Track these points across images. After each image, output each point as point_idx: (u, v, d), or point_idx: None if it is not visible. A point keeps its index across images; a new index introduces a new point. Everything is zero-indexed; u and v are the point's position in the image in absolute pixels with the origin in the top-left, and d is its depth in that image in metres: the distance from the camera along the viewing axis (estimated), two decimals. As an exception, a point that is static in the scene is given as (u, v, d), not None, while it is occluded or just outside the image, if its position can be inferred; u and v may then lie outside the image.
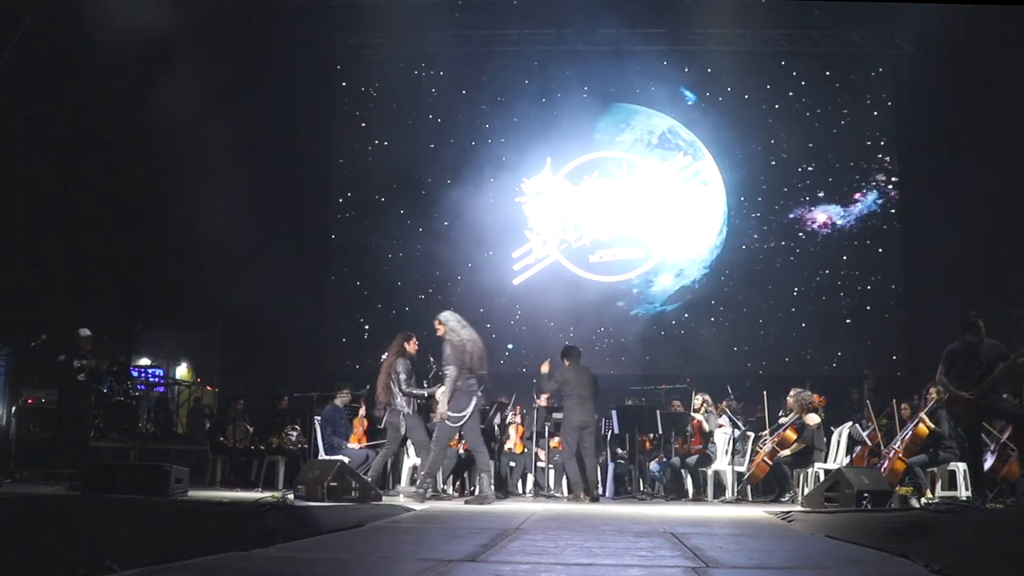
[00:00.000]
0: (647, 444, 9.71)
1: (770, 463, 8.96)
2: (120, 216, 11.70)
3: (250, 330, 12.69)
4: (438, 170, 13.93)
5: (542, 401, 9.58)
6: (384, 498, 7.60)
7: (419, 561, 3.79)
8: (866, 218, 13.54)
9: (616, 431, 9.56)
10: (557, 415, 9.77)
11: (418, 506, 7.03)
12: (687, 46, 13.69)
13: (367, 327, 13.74)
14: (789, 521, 6.10)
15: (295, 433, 9.81)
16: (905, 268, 13.35)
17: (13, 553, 3.54)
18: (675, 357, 13.10)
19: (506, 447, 9.83)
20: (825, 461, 8.89)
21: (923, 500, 7.75)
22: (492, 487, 8.06)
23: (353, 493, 6.93)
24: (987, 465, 8.27)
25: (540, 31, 13.69)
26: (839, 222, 13.49)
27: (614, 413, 9.40)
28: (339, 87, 14.42)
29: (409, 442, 8.93)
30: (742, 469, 9.33)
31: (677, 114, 13.77)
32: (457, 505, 7.70)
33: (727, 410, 9.68)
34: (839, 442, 9.09)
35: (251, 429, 10.31)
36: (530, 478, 10.00)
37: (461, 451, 9.55)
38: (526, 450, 9.81)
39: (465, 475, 9.68)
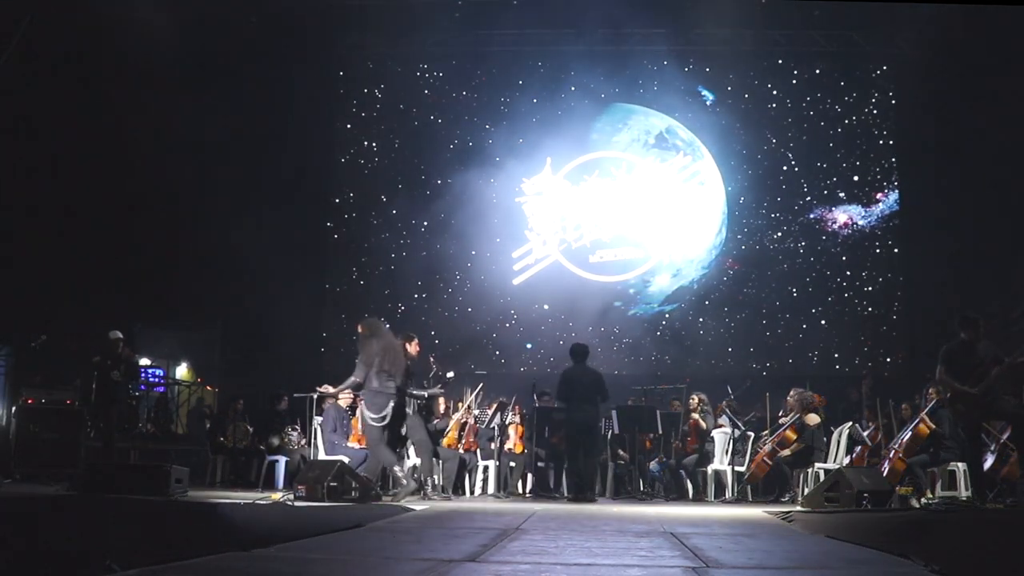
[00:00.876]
0: (647, 444, 9.71)
1: (770, 463, 8.96)
2: (120, 216, 11.70)
3: (250, 330, 12.69)
4: (438, 170, 13.94)
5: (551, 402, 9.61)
6: (384, 498, 7.61)
7: (419, 561, 3.79)
8: (866, 217, 13.53)
9: (616, 431, 9.56)
10: (558, 415, 9.78)
11: (418, 506, 7.02)
12: (687, 46, 13.69)
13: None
14: (789, 521, 6.10)
15: (295, 433, 9.81)
16: (905, 268, 13.34)
17: (13, 553, 3.54)
18: (675, 357, 13.11)
19: (506, 447, 9.83)
20: (825, 461, 8.89)
21: (923, 500, 7.76)
22: (404, 474, 7.94)
23: (353, 493, 6.94)
24: (987, 465, 8.28)
25: (540, 31, 13.68)
26: (838, 222, 13.48)
27: (614, 413, 9.40)
28: (339, 87, 14.41)
29: (409, 442, 8.92)
30: (742, 469, 9.33)
31: (676, 114, 13.77)
32: (457, 505, 7.70)
33: (727, 410, 9.68)
34: (839, 442, 9.09)
35: (251, 429, 10.31)
36: (530, 478, 10.00)
37: (461, 451, 9.56)
38: (526, 450, 9.80)
39: (466, 476, 9.68)
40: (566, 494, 9.29)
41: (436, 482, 8.99)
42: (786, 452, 8.93)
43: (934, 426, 8.16)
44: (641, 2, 13.18)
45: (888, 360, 13.13)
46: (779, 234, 13.45)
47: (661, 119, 13.78)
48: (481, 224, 13.53)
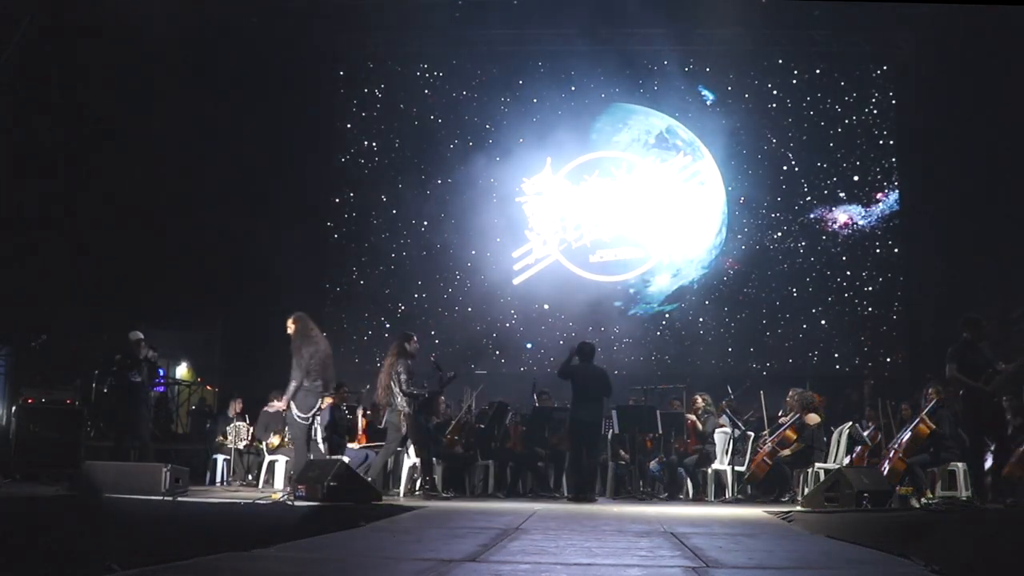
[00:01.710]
0: (647, 444, 9.70)
1: (770, 463, 8.95)
2: (120, 216, 11.70)
3: (250, 330, 12.69)
4: (438, 170, 13.95)
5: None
6: (384, 498, 7.60)
7: (419, 561, 3.79)
8: (867, 217, 13.53)
9: (616, 431, 9.56)
10: (558, 415, 9.77)
11: (418, 506, 7.02)
12: (687, 46, 13.69)
13: (367, 327, 13.74)
14: (789, 521, 6.09)
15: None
16: (905, 268, 13.35)
17: (13, 553, 3.54)
18: (675, 357, 13.11)
19: (506, 447, 9.82)
20: (825, 461, 8.88)
21: (923, 500, 7.75)
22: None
23: (353, 493, 6.93)
24: (987, 465, 8.29)
25: (540, 31, 13.69)
26: (838, 222, 13.48)
27: (614, 413, 9.38)
28: (339, 87, 14.41)
29: (409, 442, 8.92)
30: (742, 469, 9.33)
31: (676, 114, 13.77)
32: (457, 505, 7.69)
33: (727, 410, 9.67)
34: (839, 442, 9.09)
35: (251, 429, 10.31)
36: (530, 478, 9.99)
37: (459, 450, 9.55)
38: (526, 450, 9.80)
39: (465, 476, 9.67)
40: (566, 494, 9.29)
41: (436, 482, 8.99)
42: (786, 452, 8.92)
43: (934, 426, 8.15)
44: (641, 2, 13.19)
45: (888, 360, 13.13)
46: (779, 234, 13.45)
47: (661, 119, 13.79)
48: (481, 224, 13.54)
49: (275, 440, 9.71)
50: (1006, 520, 6.72)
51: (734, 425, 9.43)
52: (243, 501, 7.05)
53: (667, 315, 13.38)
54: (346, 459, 8.41)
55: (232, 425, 10.26)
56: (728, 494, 9.15)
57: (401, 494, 8.67)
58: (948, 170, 12.85)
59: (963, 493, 7.96)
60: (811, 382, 9.82)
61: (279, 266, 13.17)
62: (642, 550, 4.17)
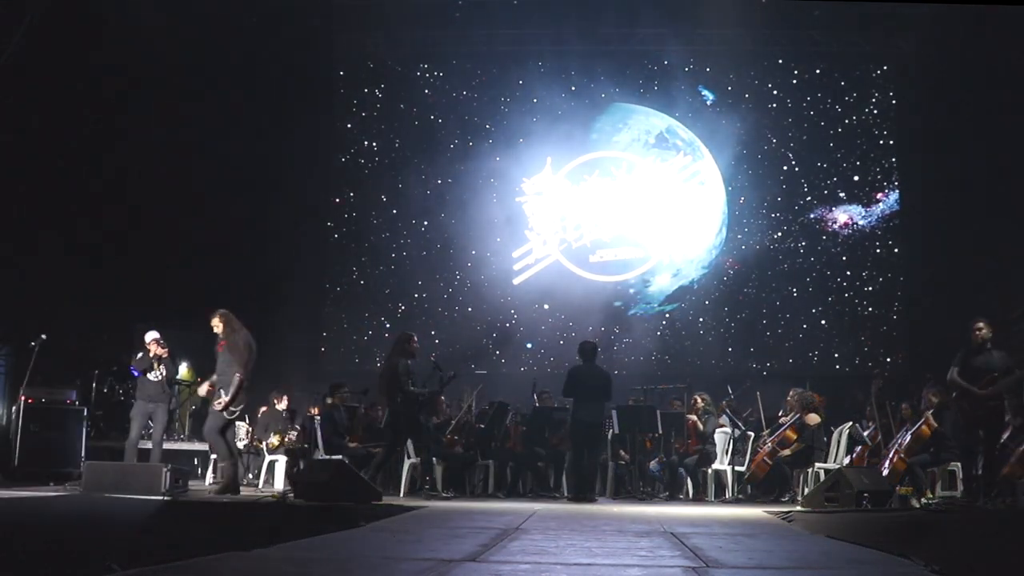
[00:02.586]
0: (647, 444, 9.70)
1: (770, 463, 8.95)
2: (121, 215, 11.70)
3: (250, 330, 12.66)
4: (438, 170, 13.94)
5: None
6: (384, 498, 7.60)
7: (419, 561, 3.79)
8: (867, 217, 13.53)
9: (616, 431, 9.56)
10: (558, 415, 9.78)
11: (418, 505, 7.02)
12: (687, 46, 13.68)
13: (367, 327, 13.74)
14: (789, 521, 6.10)
15: (295, 433, 9.81)
16: (906, 268, 13.34)
17: (14, 553, 3.54)
18: (675, 357, 13.10)
19: (506, 447, 9.82)
20: (825, 461, 8.88)
21: (923, 500, 7.75)
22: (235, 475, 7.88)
23: (353, 493, 6.93)
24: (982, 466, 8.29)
25: (540, 31, 13.69)
26: (838, 222, 13.48)
27: (614, 413, 9.39)
28: (339, 87, 14.41)
29: (408, 442, 8.93)
30: (742, 469, 9.33)
31: (676, 114, 13.76)
32: (457, 505, 7.70)
33: (727, 410, 9.67)
34: (839, 442, 9.09)
35: (250, 429, 10.31)
36: (530, 478, 10.00)
37: (459, 450, 9.55)
38: (526, 450, 9.80)
39: (465, 476, 9.67)
40: (566, 494, 9.29)
41: (436, 482, 9.00)
42: (786, 452, 8.92)
43: (936, 424, 8.16)
44: (641, 2, 13.19)
45: (888, 360, 13.13)
46: (779, 234, 13.44)
47: (661, 119, 13.78)
48: (481, 224, 13.54)
49: (275, 440, 9.71)
50: (1006, 520, 6.72)
51: (734, 425, 9.43)
52: (243, 501, 7.05)
53: (667, 315, 13.37)
54: (346, 459, 8.42)
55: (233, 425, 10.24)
56: (728, 494, 9.16)
57: (401, 494, 8.67)
58: (948, 170, 12.84)
59: (962, 493, 7.97)
60: (811, 382, 9.82)
61: (279, 266, 13.18)
62: (642, 550, 4.17)
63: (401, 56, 14.15)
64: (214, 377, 7.90)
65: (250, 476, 10.38)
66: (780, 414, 9.51)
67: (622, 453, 9.84)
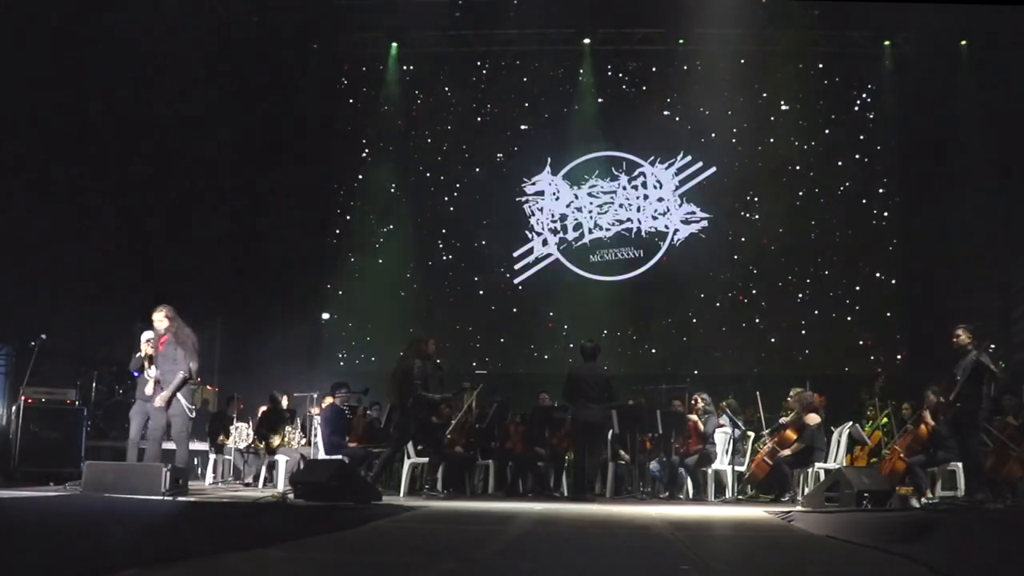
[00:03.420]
0: (647, 444, 9.70)
1: (770, 463, 8.95)
2: (120, 215, 11.69)
3: (250, 329, 12.69)
4: (438, 170, 13.94)
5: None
6: (384, 498, 7.60)
7: (419, 561, 3.79)
8: (867, 217, 13.52)
9: (616, 431, 9.56)
10: (558, 415, 9.78)
11: (418, 505, 7.02)
12: (687, 46, 13.68)
13: (367, 327, 13.73)
14: (789, 521, 6.10)
15: (295, 433, 9.81)
16: (906, 268, 13.32)
17: (14, 553, 3.54)
18: (675, 357, 13.09)
19: (506, 447, 9.82)
20: (825, 461, 8.89)
21: (923, 500, 7.75)
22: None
23: (353, 493, 6.93)
24: (987, 465, 8.29)
25: (540, 31, 13.69)
26: (840, 222, 13.46)
27: (614, 413, 9.39)
28: (339, 87, 14.40)
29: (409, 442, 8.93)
30: (742, 469, 9.33)
31: (677, 113, 13.76)
32: (457, 505, 7.70)
33: (727, 410, 9.67)
34: (839, 442, 9.09)
35: (251, 429, 10.31)
36: (530, 478, 10.00)
37: (459, 450, 9.55)
38: (526, 450, 9.80)
39: (465, 476, 9.68)
40: (566, 494, 9.29)
41: (436, 482, 9.00)
42: (786, 452, 8.92)
43: (934, 423, 8.16)
44: (641, 2, 13.19)
45: (888, 360, 13.11)
46: (779, 234, 13.42)
47: (662, 118, 13.76)
48: (481, 224, 13.54)
49: (275, 440, 9.71)
50: (1006, 520, 6.72)
51: (734, 425, 9.43)
52: (243, 501, 7.05)
53: (667, 314, 13.35)
54: (346, 459, 8.42)
55: (232, 425, 10.26)
56: (728, 494, 9.16)
57: (401, 494, 8.67)
58: (948, 170, 12.85)
59: (962, 493, 7.97)
60: (811, 382, 9.80)
61: (279, 266, 13.18)
62: (642, 550, 4.17)
63: (401, 56, 14.14)
64: (155, 372, 7.70)
65: (250, 478, 10.40)
66: (781, 415, 9.51)
67: (622, 453, 9.84)
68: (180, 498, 7.01)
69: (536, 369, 12.83)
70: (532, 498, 9.18)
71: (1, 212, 9.92)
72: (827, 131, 13.64)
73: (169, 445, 8.00)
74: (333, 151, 14.26)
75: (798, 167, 13.55)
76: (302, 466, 8.57)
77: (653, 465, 9.70)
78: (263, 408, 10.33)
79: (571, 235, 13.75)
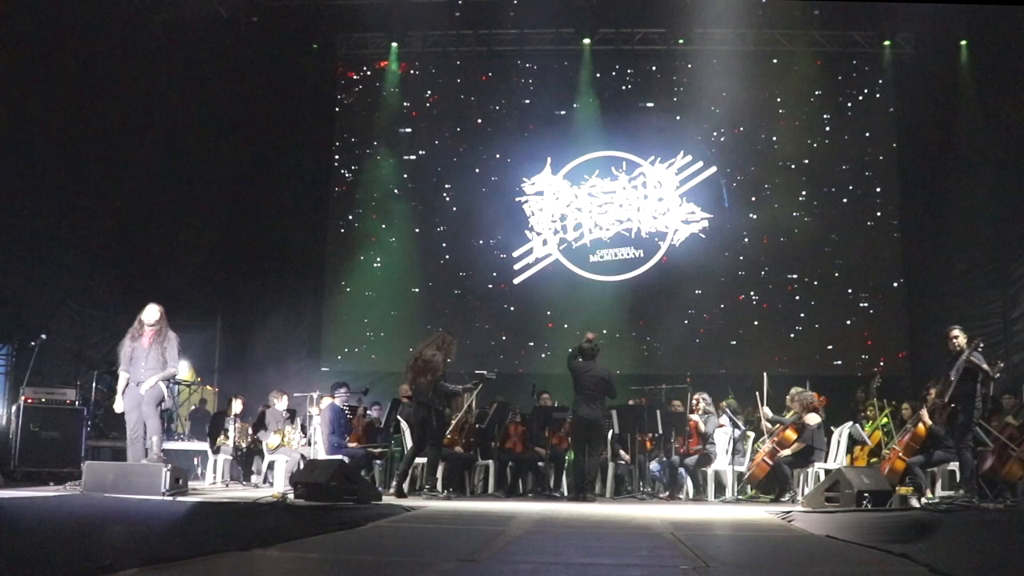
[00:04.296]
0: (647, 444, 9.70)
1: (770, 463, 8.95)
2: (121, 215, 11.70)
3: (250, 329, 12.70)
4: (438, 170, 13.95)
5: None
6: (384, 498, 7.60)
7: (419, 561, 3.79)
8: (867, 217, 13.52)
9: (616, 431, 9.56)
10: (558, 415, 9.77)
11: (418, 505, 7.02)
12: (687, 46, 13.69)
13: (367, 327, 13.73)
14: (789, 521, 6.10)
15: (295, 433, 9.81)
16: (906, 268, 13.33)
17: (14, 553, 3.53)
18: (675, 356, 13.08)
19: (506, 447, 9.82)
20: (825, 461, 8.88)
21: (923, 500, 7.75)
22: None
23: (353, 493, 6.93)
24: (987, 465, 8.30)
25: (540, 31, 13.69)
26: (840, 221, 13.46)
27: (614, 413, 9.39)
28: (339, 86, 14.40)
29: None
30: (742, 469, 9.33)
31: (677, 113, 13.76)
32: (457, 505, 7.70)
33: (727, 410, 9.67)
34: (839, 442, 9.09)
35: (251, 429, 10.31)
36: (530, 478, 10.00)
37: (459, 450, 9.54)
38: (526, 450, 9.80)
39: (465, 476, 9.67)
40: (566, 494, 9.29)
41: (437, 481, 8.99)
42: (786, 452, 8.92)
43: (931, 422, 8.16)
44: (641, 2, 13.20)
45: (888, 360, 13.11)
46: (780, 234, 13.43)
47: (662, 118, 13.77)
48: (481, 224, 13.54)
49: (275, 440, 9.71)
50: (1006, 520, 6.72)
51: (734, 425, 9.43)
52: (243, 501, 7.05)
53: (667, 314, 13.34)
54: (346, 459, 8.41)
55: (232, 425, 10.26)
56: (728, 494, 9.16)
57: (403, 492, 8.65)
58: (948, 170, 12.85)
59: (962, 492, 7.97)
60: (811, 382, 9.80)
61: (279, 266, 13.19)
62: (642, 550, 4.17)
63: (401, 56, 14.14)
64: (124, 372, 7.71)
65: (251, 478, 10.39)
66: (783, 415, 9.50)
67: (622, 453, 9.84)
68: (180, 498, 7.01)
69: (536, 369, 12.81)
70: (532, 498, 9.18)
71: (1, 212, 9.93)
72: (827, 131, 13.64)
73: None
74: (333, 151, 14.25)
75: (798, 167, 13.54)
76: (302, 466, 8.57)
77: (653, 465, 9.70)
78: (262, 408, 10.34)
79: (571, 235, 13.75)
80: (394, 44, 13.98)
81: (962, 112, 12.80)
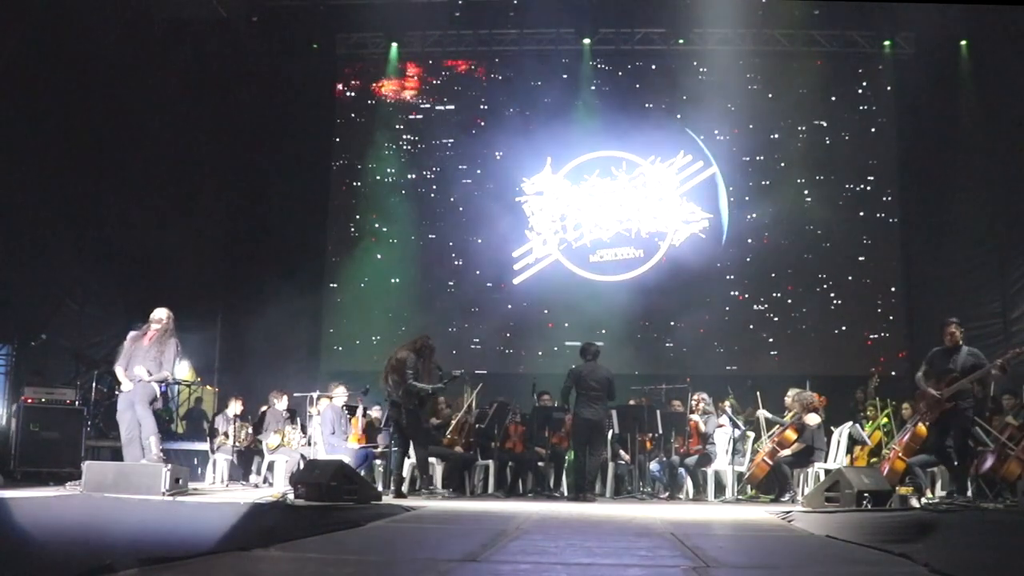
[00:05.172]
0: (647, 444, 9.70)
1: (770, 463, 8.95)
2: (121, 215, 11.71)
3: (250, 329, 12.69)
4: (438, 170, 13.94)
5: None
6: (384, 498, 7.60)
7: (419, 561, 3.79)
8: (867, 217, 13.51)
9: (616, 431, 9.56)
10: (557, 414, 9.77)
11: (418, 505, 7.02)
12: (687, 46, 13.69)
13: (367, 327, 13.72)
14: (789, 521, 6.10)
15: (295, 433, 9.81)
16: (906, 267, 13.33)
17: (14, 553, 3.54)
18: (675, 356, 13.09)
19: (506, 447, 9.82)
20: (825, 461, 8.88)
21: (923, 500, 7.75)
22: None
23: (353, 493, 6.93)
24: (987, 465, 8.30)
25: (540, 31, 13.69)
26: (840, 222, 13.46)
27: (614, 413, 9.39)
28: (338, 86, 14.40)
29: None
30: (742, 469, 9.33)
31: (677, 114, 13.76)
32: (457, 505, 7.70)
33: (727, 410, 9.67)
34: (839, 442, 9.09)
35: (251, 429, 10.31)
36: (530, 478, 9.99)
37: (459, 450, 9.55)
38: (526, 450, 9.80)
39: (465, 476, 9.67)
40: (566, 494, 9.29)
41: (433, 480, 9.00)
42: (786, 452, 8.92)
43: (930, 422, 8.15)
44: (641, 2, 13.20)
45: (888, 360, 13.11)
46: (780, 234, 13.42)
47: (661, 118, 13.76)
48: (481, 224, 13.54)
49: (275, 440, 9.71)
50: (1006, 520, 6.72)
51: (734, 425, 9.43)
52: (243, 501, 7.05)
53: (667, 314, 13.34)
54: (346, 459, 8.41)
55: (232, 425, 10.26)
56: (728, 494, 9.16)
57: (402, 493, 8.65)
58: (949, 169, 12.85)
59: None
60: (811, 382, 9.80)
61: (279, 266, 13.18)
62: (642, 550, 4.17)
63: (402, 56, 14.15)
64: (123, 369, 7.78)
65: (251, 478, 10.39)
66: (783, 415, 9.51)
67: (622, 453, 9.84)
68: (180, 498, 7.01)
69: (536, 369, 12.79)
70: (532, 498, 9.18)
71: (1, 213, 9.93)
72: (826, 131, 13.64)
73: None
74: (333, 151, 14.25)
75: (798, 167, 13.53)
76: (302, 466, 8.57)
77: (653, 465, 9.70)
78: (262, 408, 10.34)
79: (571, 235, 13.74)
80: (394, 44, 13.99)
81: (962, 112, 12.80)
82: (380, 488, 8.35)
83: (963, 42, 12.95)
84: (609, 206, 13.73)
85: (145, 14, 11.37)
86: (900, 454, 8.22)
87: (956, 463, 7.71)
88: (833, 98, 13.69)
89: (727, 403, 9.95)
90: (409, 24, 13.56)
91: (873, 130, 13.68)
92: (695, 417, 9.57)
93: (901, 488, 8.00)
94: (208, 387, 12.93)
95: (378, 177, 14.02)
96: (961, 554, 4.19)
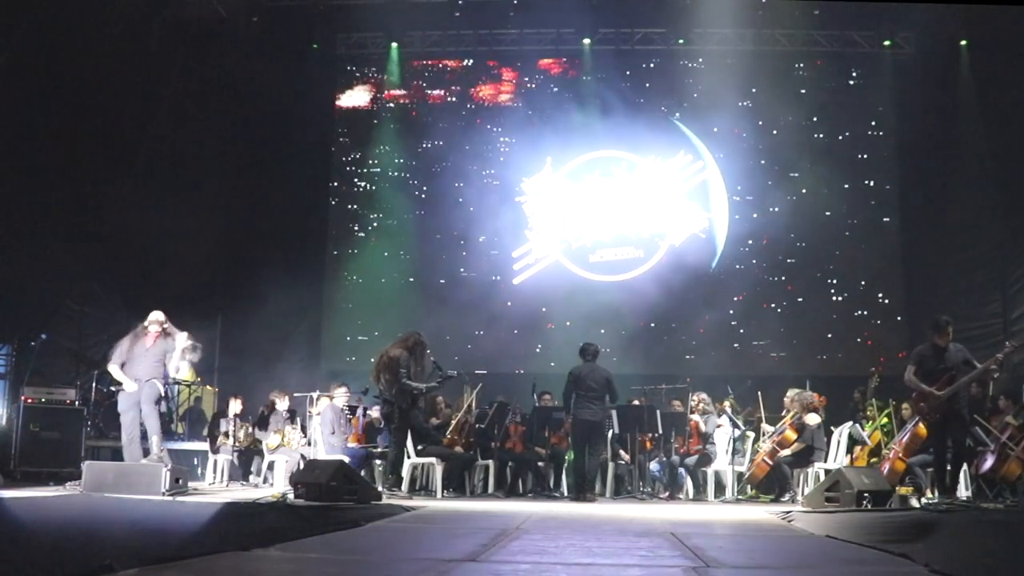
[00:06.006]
0: (647, 444, 9.70)
1: (770, 463, 8.95)
2: (121, 215, 11.69)
3: (249, 329, 12.69)
4: (438, 169, 13.95)
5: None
6: (384, 498, 7.60)
7: (419, 561, 3.79)
8: (867, 217, 13.51)
9: (616, 431, 9.56)
10: (557, 414, 9.77)
11: (418, 505, 7.02)
12: (687, 46, 13.69)
13: (367, 327, 13.73)
14: (789, 521, 6.10)
15: (295, 433, 9.81)
16: (906, 267, 13.33)
17: (14, 553, 3.54)
18: (675, 356, 13.08)
19: (506, 447, 9.82)
20: (825, 461, 8.88)
21: (923, 500, 7.75)
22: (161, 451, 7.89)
23: (353, 493, 6.93)
24: (987, 465, 8.30)
25: (540, 31, 13.70)
26: (840, 221, 13.46)
27: (614, 413, 9.39)
28: (338, 86, 14.41)
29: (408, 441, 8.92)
30: (742, 469, 9.33)
31: (677, 113, 13.76)
32: (457, 505, 7.70)
33: (727, 410, 9.67)
34: (839, 442, 9.09)
35: (251, 429, 10.31)
36: (530, 478, 10.00)
37: (459, 450, 9.54)
38: (526, 450, 9.80)
39: (465, 476, 9.67)
40: (566, 494, 9.29)
41: (432, 478, 9.00)
42: (786, 452, 8.92)
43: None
44: (642, 2, 13.20)
45: (886, 360, 13.11)
46: (780, 233, 13.42)
47: (661, 118, 13.77)
48: (481, 224, 13.54)
49: (275, 440, 9.71)
50: (1006, 520, 6.72)
51: (734, 425, 9.43)
52: (243, 501, 7.05)
53: (667, 314, 13.34)
54: (346, 459, 8.41)
55: (232, 425, 10.26)
56: (728, 494, 9.16)
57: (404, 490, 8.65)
58: (948, 170, 12.85)
59: (963, 493, 7.96)
60: (811, 382, 9.81)
61: (280, 266, 13.17)
62: (642, 550, 4.17)
63: (401, 55, 14.15)
64: (119, 369, 7.85)
65: (250, 478, 10.39)
66: (783, 414, 9.51)
67: (622, 453, 9.84)
68: (180, 498, 7.01)
69: (536, 369, 12.80)
70: (532, 498, 9.18)
71: (1, 213, 9.92)
72: (826, 131, 13.64)
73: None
74: (333, 151, 14.25)
75: (797, 167, 13.53)
76: (302, 466, 8.57)
77: (653, 465, 9.70)
78: (262, 408, 10.34)
79: (571, 235, 13.75)
80: (394, 44, 13.99)
81: (962, 112, 12.80)
82: (380, 488, 8.34)
83: (963, 42, 12.95)
84: (609, 206, 13.73)
85: (145, 14, 11.36)
86: (900, 454, 8.22)
87: (951, 467, 7.65)
88: (833, 98, 13.69)
89: (727, 403, 9.94)
90: (409, 24, 13.57)
91: (873, 130, 13.68)
92: (695, 417, 9.56)
93: (901, 488, 8.00)
94: (208, 387, 12.93)
95: (378, 177, 14.02)
96: (961, 554, 4.20)
